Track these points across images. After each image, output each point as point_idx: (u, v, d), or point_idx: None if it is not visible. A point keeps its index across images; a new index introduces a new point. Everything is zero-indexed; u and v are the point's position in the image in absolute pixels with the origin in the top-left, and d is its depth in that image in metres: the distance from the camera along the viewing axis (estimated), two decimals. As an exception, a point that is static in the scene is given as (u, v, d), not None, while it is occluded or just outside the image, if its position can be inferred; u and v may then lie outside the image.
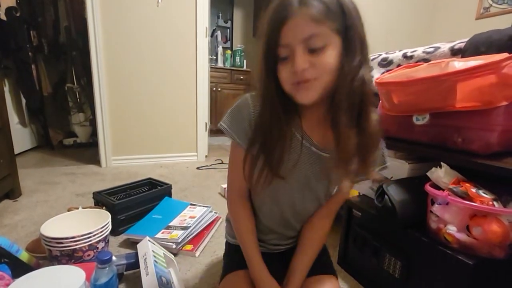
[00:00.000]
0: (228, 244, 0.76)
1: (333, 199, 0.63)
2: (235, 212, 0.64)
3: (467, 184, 0.60)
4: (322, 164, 0.56)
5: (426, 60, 0.94)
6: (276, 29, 0.45)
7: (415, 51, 1.01)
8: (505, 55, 0.58)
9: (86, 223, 0.87)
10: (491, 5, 2.40)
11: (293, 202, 0.61)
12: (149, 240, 0.83)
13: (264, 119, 0.52)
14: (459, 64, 0.63)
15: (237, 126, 0.56)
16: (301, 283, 0.61)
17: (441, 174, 0.64)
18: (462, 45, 0.85)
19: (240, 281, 0.62)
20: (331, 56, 0.45)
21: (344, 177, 0.53)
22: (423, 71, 0.71)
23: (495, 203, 0.57)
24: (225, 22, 3.92)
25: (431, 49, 0.95)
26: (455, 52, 0.87)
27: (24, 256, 0.77)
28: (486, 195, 0.58)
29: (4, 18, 2.12)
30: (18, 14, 2.21)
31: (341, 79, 0.46)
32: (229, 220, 0.75)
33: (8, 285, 0.58)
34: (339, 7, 0.44)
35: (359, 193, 0.99)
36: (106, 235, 0.87)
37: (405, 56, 1.05)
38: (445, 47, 0.91)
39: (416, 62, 0.96)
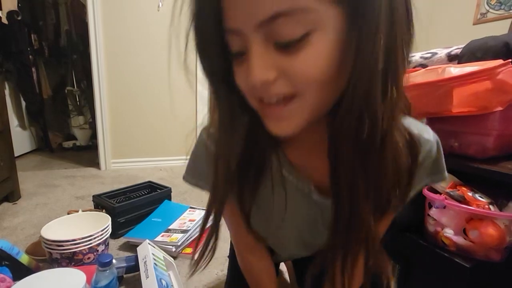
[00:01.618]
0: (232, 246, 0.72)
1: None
2: (251, 275, 0.48)
3: (464, 188, 0.61)
4: (319, 211, 0.37)
5: (423, 66, 0.96)
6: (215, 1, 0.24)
7: (412, 56, 1.03)
8: (500, 61, 0.60)
9: (86, 226, 0.87)
10: (488, 11, 2.44)
11: (300, 246, 0.46)
12: (149, 243, 0.83)
13: (224, 150, 0.33)
14: (455, 70, 0.64)
15: (201, 173, 0.41)
16: None
17: (438, 178, 0.65)
18: (459, 51, 0.87)
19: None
20: (321, 53, 0.24)
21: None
22: (420, 77, 0.72)
23: (491, 206, 0.58)
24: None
25: (429, 55, 0.97)
26: (451, 58, 0.88)
27: (24, 258, 0.77)
28: (482, 199, 0.59)
29: (5, 21, 2.13)
30: (19, 18, 2.22)
31: (347, 92, 0.26)
32: None
33: (9, 287, 0.59)
34: None
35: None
36: (106, 238, 0.87)
37: (402, 61, 1.06)
38: (442, 52, 0.92)
39: (414, 67, 0.97)
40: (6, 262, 0.72)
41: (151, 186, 1.36)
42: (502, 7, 2.30)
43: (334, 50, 0.24)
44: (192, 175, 0.43)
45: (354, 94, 0.25)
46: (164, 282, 0.69)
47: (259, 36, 0.24)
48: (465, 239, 0.58)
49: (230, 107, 0.31)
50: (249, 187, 0.36)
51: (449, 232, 0.60)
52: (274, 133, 0.30)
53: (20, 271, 0.71)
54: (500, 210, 0.59)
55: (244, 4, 0.23)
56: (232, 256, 0.62)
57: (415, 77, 0.73)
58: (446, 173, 0.40)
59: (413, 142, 0.32)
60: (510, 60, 0.60)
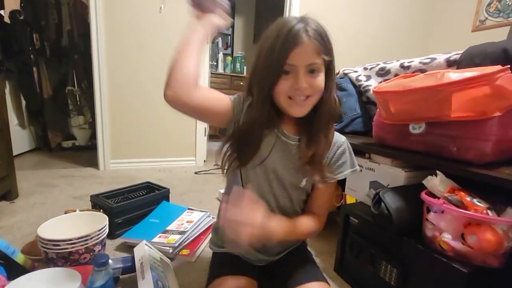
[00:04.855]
0: (213, 254, 0.77)
1: (308, 201, 0.70)
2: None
3: (462, 193, 0.61)
4: (292, 152, 0.64)
5: (422, 71, 0.96)
6: (287, 51, 0.53)
7: (412, 61, 1.04)
8: (498, 67, 0.60)
9: (83, 226, 0.86)
10: (486, 18, 2.46)
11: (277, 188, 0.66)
12: (146, 244, 0.83)
13: (250, 122, 0.59)
14: (454, 75, 0.65)
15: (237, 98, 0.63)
16: (287, 228, 0.61)
17: (437, 182, 0.65)
18: (458, 56, 0.87)
19: (227, 286, 0.62)
20: (322, 80, 0.57)
21: (311, 173, 0.63)
22: (419, 81, 0.72)
23: (489, 211, 0.58)
24: (226, 29, 3.98)
25: (428, 60, 0.97)
26: (450, 63, 0.89)
27: (19, 258, 0.76)
28: (480, 204, 0.59)
29: (8, 21, 2.14)
30: (21, 17, 2.23)
31: (326, 98, 0.60)
32: (215, 229, 0.79)
33: (3, 286, 0.58)
34: (330, 46, 0.57)
35: (356, 200, 1.00)
36: (103, 238, 0.87)
37: (402, 66, 1.07)
38: (441, 58, 0.93)
39: (413, 72, 0.98)
40: (1, 261, 0.72)
41: (149, 187, 1.35)
42: (501, 14, 2.33)
43: (323, 81, 0.58)
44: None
45: (327, 100, 0.61)
46: (160, 284, 0.69)
47: (304, 69, 0.55)
48: (463, 244, 0.58)
49: (268, 98, 0.58)
50: (255, 145, 0.60)
51: (447, 237, 0.60)
52: (294, 115, 0.59)
53: (15, 270, 0.71)
54: (498, 215, 0.59)
55: (301, 56, 0.54)
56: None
57: (414, 82, 0.74)
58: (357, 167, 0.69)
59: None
60: (508, 66, 0.60)
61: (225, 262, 0.69)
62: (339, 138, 0.67)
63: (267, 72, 0.56)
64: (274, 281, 0.69)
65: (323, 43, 0.55)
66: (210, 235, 1.12)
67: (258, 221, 0.52)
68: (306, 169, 0.62)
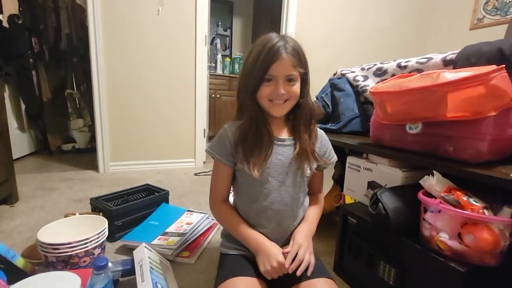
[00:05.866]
0: (222, 256, 0.78)
1: (311, 184, 0.81)
2: (222, 211, 0.77)
3: (459, 192, 0.61)
4: (287, 152, 0.73)
5: (419, 70, 0.97)
6: (269, 63, 0.65)
7: (409, 61, 1.04)
8: (493, 67, 0.60)
9: (83, 229, 0.87)
10: (484, 16, 2.46)
11: (277, 193, 0.73)
12: (145, 247, 0.83)
13: (251, 128, 0.69)
14: (449, 75, 0.65)
15: (219, 147, 0.73)
16: (314, 229, 0.76)
17: (433, 182, 0.65)
18: (454, 56, 0.88)
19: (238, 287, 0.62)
20: (297, 88, 0.69)
21: (306, 162, 0.73)
22: (415, 82, 0.72)
23: (485, 211, 0.58)
24: (225, 30, 3.98)
25: (424, 60, 0.98)
26: (447, 63, 0.89)
27: (19, 262, 0.77)
28: (476, 203, 0.59)
29: (6, 25, 2.15)
30: (20, 22, 2.24)
31: (303, 102, 0.73)
32: (225, 235, 0.80)
33: (3, 291, 0.59)
34: (305, 60, 0.70)
35: (354, 200, 1.00)
36: (103, 241, 0.87)
37: (399, 66, 1.07)
38: (437, 58, 0.93)
39: (410, 72, 0.98)
40: (1, 265, 0.72)
41: (149, 189, 1.35)
42: (499, 12, 2.33)
43: (298, 89, 0.70)
44: (212, 148, 0.74)
45: (305, 103, 0.73)
46: (159, 286, 0.69)
47: (283, 78, 0.66)
48: (460, 243, 0.58)
49: (254, 102, 0.70)
50: (260, 150, 0.69)
51: (444, 237, 0.60)
52: (274, 115, 0.71)
53: (15, 275, 0.71)
54: (495, 214, 0.59)
55: (281, 68, 0.66)
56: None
57: (410, 82, 0.74)
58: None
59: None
60: (503, 65, 0.61)
61: (235, 263, 0.70)
62: (321, 133, 0.81)
63: (252, 77, 0.67)
64: (282, 277, 0.69)
65: (299, 58, 0.67)
66: (210, 237, 1.13)
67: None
68: (302, 162, 0.73)
